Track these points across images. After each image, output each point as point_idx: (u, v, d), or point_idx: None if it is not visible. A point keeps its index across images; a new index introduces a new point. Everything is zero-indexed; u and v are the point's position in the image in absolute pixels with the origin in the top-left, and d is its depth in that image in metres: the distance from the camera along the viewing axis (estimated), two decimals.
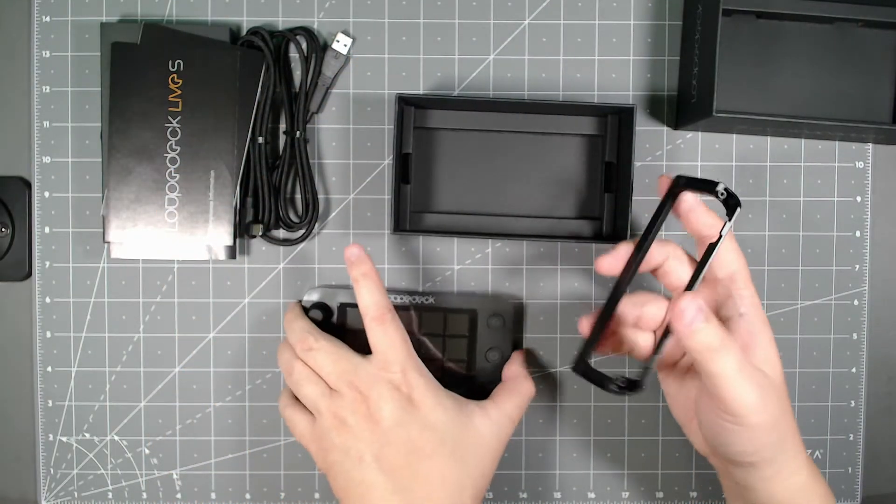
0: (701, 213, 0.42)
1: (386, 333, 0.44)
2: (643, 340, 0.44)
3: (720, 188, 0.41)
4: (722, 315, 0.42)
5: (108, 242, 0.50)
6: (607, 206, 0.52)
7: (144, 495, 0.53)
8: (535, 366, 0.53)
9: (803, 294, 0.53)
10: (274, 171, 0.52)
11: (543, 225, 0.53)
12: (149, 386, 0.53)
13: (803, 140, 0.53)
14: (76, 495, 0.53)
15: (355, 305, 0.48)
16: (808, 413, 0.54)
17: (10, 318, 0.53)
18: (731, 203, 0.41)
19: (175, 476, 0.53)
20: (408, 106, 0.51)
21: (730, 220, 0.40)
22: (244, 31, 0.52)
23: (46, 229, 0.53)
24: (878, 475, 0.54)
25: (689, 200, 0.42)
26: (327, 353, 0.45)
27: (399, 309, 0.48)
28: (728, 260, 0.42)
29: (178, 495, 0.53)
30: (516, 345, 0.53)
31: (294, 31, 0.51)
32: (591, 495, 0.54)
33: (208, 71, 0.50)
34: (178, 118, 0.50)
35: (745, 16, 0.50)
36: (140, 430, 0.53)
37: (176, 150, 0.50)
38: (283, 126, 0.52)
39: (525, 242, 0.53)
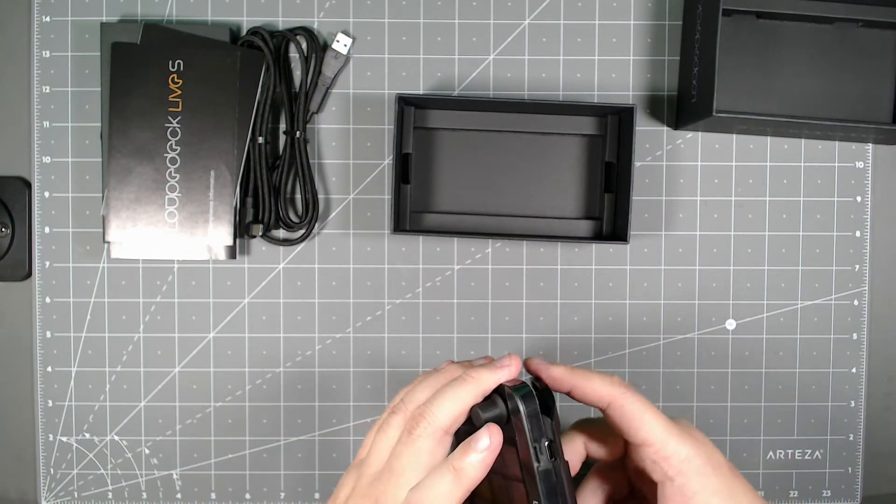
0: (583, 388, 0.36)
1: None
2: None
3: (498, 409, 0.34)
4: (656, 479, 0.35)
5: (108, 242, 0.50)
6: (607, 206, 0.52)
7: (144, 495, 0.53)
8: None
9: (803, 294, 0.53)
10: (274, 171, 0.52)
11: (543, 225, 0.53)
12: (149, 386, 0.53)
13: (803, 140, 0.53)
14: (76, 495, 0.53)
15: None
16: (808, 413, 0.54)
17: (10, 318, 0.53)
18: (539, 400, 0.34)
19: (175, 476, 0.53)
20: (408, 106, 0.51)
21: (550, 419, 0.34)
22: (244, 31, 0.52)
23: (46, 229, 0.53)
24: (879, 475, 0.54)
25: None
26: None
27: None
28: (632, 427, 0.35)
29: (178, 495, 0.53)
30: None
31: (294, 31, 0.51)
32: None
33: (208, 71, 0.50)
34: (178, 118, 0.50)
35: (745, 16, 0.50)
36: (140, 430, 0.53)
37: (176, 150, 0.50)
38: (283, 126, 0.52)
39: (525, 242, 0.53)
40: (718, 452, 0.36)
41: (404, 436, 0.33)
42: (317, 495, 0.53)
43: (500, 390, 0.34)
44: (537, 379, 0.37)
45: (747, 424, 0.53)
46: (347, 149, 0.53)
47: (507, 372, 0.35)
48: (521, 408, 0.33)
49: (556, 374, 0.36)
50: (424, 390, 0.35)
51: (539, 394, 0.34)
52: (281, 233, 0.53)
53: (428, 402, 0.34)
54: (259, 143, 0.50)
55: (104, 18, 0.52)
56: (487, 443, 0.33)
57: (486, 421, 0.34)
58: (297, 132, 0.51)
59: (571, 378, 0.36)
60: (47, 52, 0.52)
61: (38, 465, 0.53)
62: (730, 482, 0.35)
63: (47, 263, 0.53)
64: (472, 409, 0.34)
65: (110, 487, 0.53)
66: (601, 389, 0.36)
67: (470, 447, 0.33)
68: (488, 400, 0.34)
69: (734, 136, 0.53)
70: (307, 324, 0.53)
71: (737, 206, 0.53)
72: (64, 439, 0.53)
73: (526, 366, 0.37)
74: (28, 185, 0.53)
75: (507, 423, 0.34)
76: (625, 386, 0.36)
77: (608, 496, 0.39)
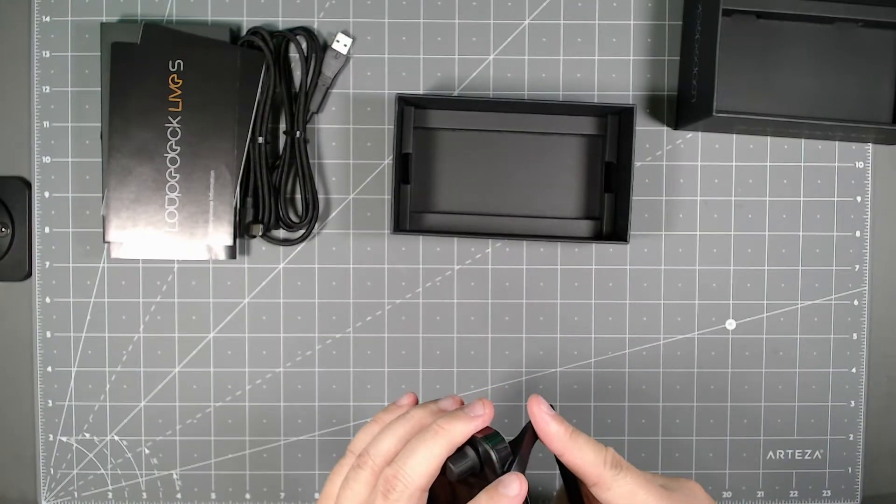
0: (574, 458, 0.33)
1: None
2: None
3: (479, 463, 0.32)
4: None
5: (108, 242, 0.50)
6: (607, 206, 0.52)
7: (144, 495, 0.53)
8: None
9: (803, 294, 0.53)
10: (274, 171, 0.52)
11: (543, 225, 0.53)
12: (149, 386, 0.53)
13: (803, 140, 0.53)
14: (76, 495, 0.53)
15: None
16: (808, 413, 0.54)
17: (10, 318, 0.53)
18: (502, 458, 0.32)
19: (175, 476, 0.53)
20: (408, 106, 0.51)
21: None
22: (244, 31, 0.52)
23: (46, 229, 0.53)
24: (878, 475, 0.54)
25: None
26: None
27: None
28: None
29: (178, 495, 0.53)
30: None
31: (294, 31, 0.51)
32: None
33: (208, 71, 0.50)
34: (178, 118, 0.50)
35: (746, 16, 0.50)
36: (140, 430, 0.53)
37: (176, 150, 0.50)
38: (283, 126, 0.52)
39: (525, 242, 0.53)
40: None
41: (379, 499, 0.32)
42: (316, 495, 0.53)
43: (470, 439, 0.33)
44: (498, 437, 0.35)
45: (747, 424, 0.53)
46: (347, 149, 0.53)
47: (482, 422, 0.33)
48: (495, 459, 0.31)
49: (554, 434, 0.34)
50: (391, 440, 0.33)
51: (511, 442, 0.33)
52: (281, 233, 0.53)
53: (400, 460, 0.32)
54: (259, 143, 0.50)
55: (104, 18, 0.52)
56: (517, 490, 0.31)
57: (460, 474, 0.32)
58: (297, 132, 0.51)
59: (567, 442, 0.34)
60: (47, 52, 0.52)
61: (38, 465, 0.53)
62: None
63: (47, 263, 0.53)
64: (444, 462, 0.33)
65: (110, 487, 0.53)
66: (592, 469, 0.33)
67: (498, 494, 0.31)
68: (459, 450, 0.33)
69: (734, 136, 0.53)
70: (307, 324, 0.53)
71: (737, 206, 0.53)
72: (64, 439, 0.53)
73: (529, 405, 0.35)
74: (28, 184, 0.53)
75: (480, 473, 0.32)
76: (617, 466, 0.34)
77: None
